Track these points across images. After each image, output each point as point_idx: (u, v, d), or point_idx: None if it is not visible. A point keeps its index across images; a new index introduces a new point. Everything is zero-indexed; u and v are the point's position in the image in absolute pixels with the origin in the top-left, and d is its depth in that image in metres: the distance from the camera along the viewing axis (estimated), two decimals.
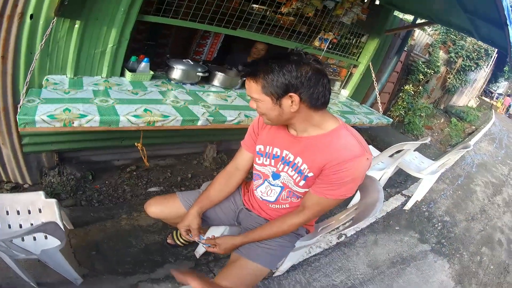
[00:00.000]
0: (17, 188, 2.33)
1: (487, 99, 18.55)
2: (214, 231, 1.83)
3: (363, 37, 3.77)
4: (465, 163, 6.13)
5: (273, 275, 2.26)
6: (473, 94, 14.24)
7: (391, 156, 3.23)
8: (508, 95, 22.20)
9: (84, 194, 2.44)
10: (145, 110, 1.87)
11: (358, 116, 3.24)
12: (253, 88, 1.20)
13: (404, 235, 3.26)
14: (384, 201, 3.71)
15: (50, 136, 2.18)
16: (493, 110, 16.16)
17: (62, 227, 1.60)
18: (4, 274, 1.71)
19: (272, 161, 1.45)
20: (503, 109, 19.56)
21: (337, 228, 1.74)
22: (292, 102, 1.17)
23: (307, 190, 1.40)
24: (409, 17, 4.92)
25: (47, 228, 1.41)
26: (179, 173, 2.99)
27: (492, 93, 20.84)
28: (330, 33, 3.38)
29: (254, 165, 1.56)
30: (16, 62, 1.86)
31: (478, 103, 14.86)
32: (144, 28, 2.66)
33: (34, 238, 1.59)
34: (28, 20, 1.78)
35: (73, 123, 1.60)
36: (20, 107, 1.62)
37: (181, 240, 2.22)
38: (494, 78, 18.06)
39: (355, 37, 3.66)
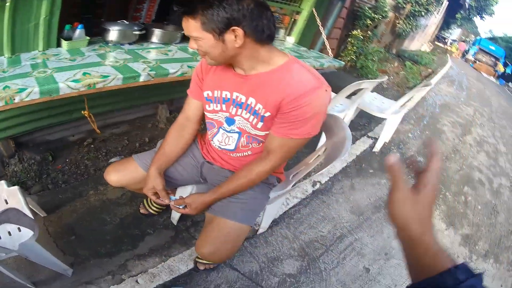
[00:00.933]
0: None
1: (441, 45, 18.96)
2: (182, 192, 1.73)
3: None
4: (427, 104, 6.18)
5: (257, 233, 2.19)
6: (425, 39, 14.52)
7: (349, 98, 3.15)
8: (462, 41, 22.86)
9: (48, 177, 2.29)
10: (84, 73, 1.75)
11: (308, 60, 3.13)
12: (192, 26, 1.08)
13: (380, 178, 3.22)
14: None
15: (0, 122, 2.05)
16: (448, 55, 16.55)
17: (29, 213, 1.49)
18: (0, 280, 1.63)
19: (223, 105, 1.33)
20: (459, 54, 20.14)
21: (309, 173, 1.66)
22: (236, 36, 1.08)
23: (267, 132, 1.29)
24: None
25: (10, 216, 1.32)
26: (136, 139, 2.85)
27: (445, 39, 21.35)
28: None
29: (205, 113, 1.43)
30: None
31: (431, 48, 15.14)
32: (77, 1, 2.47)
33: (10, 233, 1.46)
34: None
35: (14, 99, 1.49)
36: None
37: (154, 208, 2.10)
38: (446, 24, 18.48)
39: None
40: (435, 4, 9.46)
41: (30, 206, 1.77)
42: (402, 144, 4.11)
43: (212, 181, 1.57)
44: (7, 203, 1.56)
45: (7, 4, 1.71)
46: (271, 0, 3.32)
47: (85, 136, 2.67)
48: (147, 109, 3.07)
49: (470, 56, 20.09)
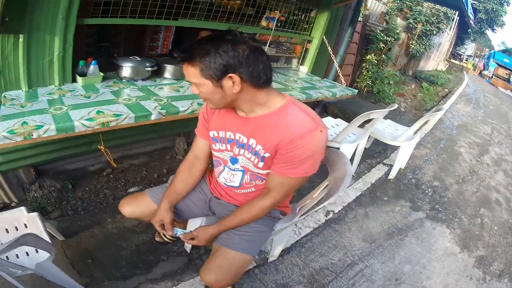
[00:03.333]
0: (5, 208, 2.20)
1: (456, 62, 18.40)
2: (193, 223, 1.72)
3: (312, 12, 3.54)
4: (444, 126, 5.91)
5: (268, 261, 2.12)
6: (441, 57, 14.13)
7: (362, 126, 3.02)
8: (477, 57, 22.14)
9: (68, 204, 2.29)
10: (98, 112, 1.76)
11: (320, 90, 3.05)
12: (192, 73, 1.09)
13: (394, 205, 3.06)
14: (366, 172, 3.55)
15: (21, 151, 2.08)
16: (464, 72, 16.01)
17: (47, 238, 1.55)
18: None
19: (228, 145, 1.35)
20: (477, 71, 19.45)
21: (315, 205, 1.62)
22: (233, 82, 1.08)
23: (268, 171, 1.31)
24: None
25: (28, 240, 1.31)
26: (155, 170, 2.83)
27: (460, 55, 20.77)
28: (276, 11, 3.19)
29: (212, 152, 1.46)
30: None
31: (447, 66, 14.71)
32: (94, 31, 2.52)
33: (27, 254, 1.51)
34: None
35: (32, 135, 1.53)
36: None
37: (168, 236, 2.10)
38: (460, 40, 17.98)
39: (304, 13, 3.44)
40: (445, 21, 9.22)
41: (49, 230, 1.82)
42: (418, 169, 3.90)
43: (220, 214, 1.58)
44: (26, 227, 1.62)
45: (20, 40, 1.76)
46: (281, 31, 3.29)
47: (104, 166, 2.67)
48: (165, 141, 3.05)
49: (487, 72, 19.37)
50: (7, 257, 1.47)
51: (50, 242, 1.51)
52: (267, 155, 1.24)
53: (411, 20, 8.25)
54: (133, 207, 1.57)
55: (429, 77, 10.16)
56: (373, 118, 2.80)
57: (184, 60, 1.09)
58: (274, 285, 1.97)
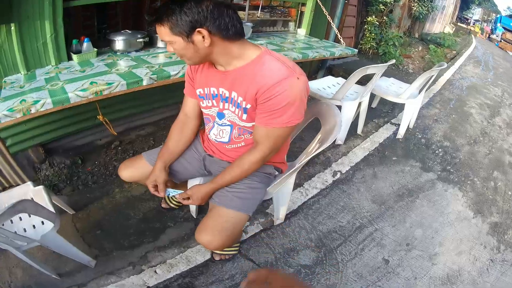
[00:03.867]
0: None
1: (464, 25, 17.72)
2: (192, 184, 1.71)
3: None
4: (453, 87, 5.72)
5: (274, 224, 2.10)
6: (446, 20, 13.59)
7: (364, 85, 2.96)
8: (485, 21, 21.34)
9: (79, 179, 2.33)
10: (91, 82, 1.79)
11: (317, 50, 2.95)
12: (162, 32, 1.14)
13: (404, 165, 2.98)
14: (373, 132, 3.48)
15: (29, 131, 2.17)
16: (472, 35, 15.46)
17: (51, 208, 1.55)
18: (28, 272, 1.70)
19: (213, 101, 1.36)
20: (486, 35, 18.79)
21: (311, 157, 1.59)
22: (203, 37, 1.11)
23: (253, 123, 1.30)
24: None
25: (26, 206, 1.33)
26: (162, 139, 2.81)
27: (467, 19, 19.99)
28: None
29: (202, 109, 1.47)
30: None
31: (454, 29, 14.17)
32: (91, 13, 2.57)
33: (34, 226, 1.54)
34: None
35: (30, 110, 1.56)
36: None
37: (174, 202, 2.12)
38: (465, 4, 17.26)
39: None
40: None
41: (58, 205, 1.88)
42: (427, 129, 3.78)
43: (215, 172, 1.56)
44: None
45: (12, 28, 1.83)
46: None
47: (112, 139, 2.69)
48: (169, 110, 3.04)
49: (495, 36, 18.66)
50: (15, 232, 1.50)
51: (54, 212, 1.53)
52: (248, 106, 1.24)
53: None
54: (130, 170, 1.59)
55: (436, 39, 9.81)
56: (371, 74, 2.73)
57: (155, 21, 1.13)
58: (281, 249, 1.95)
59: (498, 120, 4.65)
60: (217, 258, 1.82)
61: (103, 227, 1.98)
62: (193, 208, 2.08)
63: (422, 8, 8.34)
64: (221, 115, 1.38)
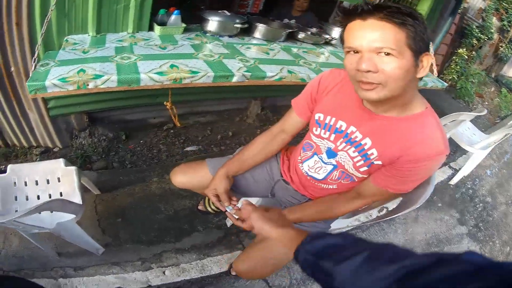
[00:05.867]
0: (46, 152, 2.16)
1: None
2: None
3: None
4: None
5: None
6: None
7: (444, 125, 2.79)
8: None
9: (116, 155, 2.20)
10: (172, 66, 1.55)
11: None
12: (392, 35, 0.76)
13: (445, 214, 2.82)
14: None
15: (76, 97, 1.94)
16: None
17: (79, 196, 1.46)
18: (25, 245, 1.62)
19: (332, 135, 1.08)
20: None
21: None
22: (425, 64, 0.82)
23: (365, 176, 1.07)
24: None
25: (52, 205, 1.26)
26: (220, 131, 2.63)
27: None
28: None
29: (310, 134, 1.18)
30: (31, 27, 1.64)
31: None
32: None
33: (51, 211, 1.43)
34: None
35: (88, 84, 1.36)
36: (31, 72, 1.38)
37: (213, 207, 1.96)
38: None
39: None
40: None
41: (84, 183, 1.74)
42: (477, 180, 3.54)
43: (281, 198, 1.38)
44: (59, 181, 1.54)
45: None
46: None
47: (167, 120, 2.52)
48: (238, 102, 2.83)
49: None
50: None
51: (81, 203, 1.43)
52: (377, 163, 0.99)
53: (505, 22, 7.43)
54: (187, 177, 1.39)
55: (510, 83, 9.20)
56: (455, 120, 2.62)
57: (389, 16, 0.76)
58: (299, 276, 1.82)
59: None
60: (233, 273, 1.69)
61: (126, 216, 1.87)
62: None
63: (508, 50, 7.90)
64: (331, 154, 1.11)
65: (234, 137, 2.61)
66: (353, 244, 0.58)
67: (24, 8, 1.59)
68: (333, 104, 1.06)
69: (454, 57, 5.88)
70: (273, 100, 2.92)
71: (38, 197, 1.49)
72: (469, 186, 3.34)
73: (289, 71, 1.84)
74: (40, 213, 1.41)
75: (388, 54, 0.77)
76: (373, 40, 0.77)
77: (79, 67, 1.41)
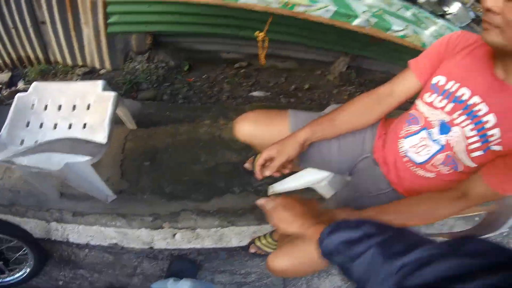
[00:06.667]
0: (91, 73, 2.01)
1: None
2: (308, 175, 1.25)
3: None
4: None
5: None
6: None
7: None
8: None
9: (171, 86, 1.99)
10: None
11: None
12: None
13: None
14: None
15: (145, 14, 1.71)
16: None
17: (107, 130, 1.22)
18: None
19: (450, 105, 0.87)
20: None
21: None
22: None
23: (474, 166, 0.86)
24: None
25: (57, 146, 1.10)
26: (295, 81, 2.34)
27: None
28: None
29: (419, 102, 0.96)
30: None
31: None
32: None
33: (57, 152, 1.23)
34: None
35: None
36: None
37: None
38: None
39: None
40: None
41: (122, 116, 1.52)
42: None
43: (359, 181, 1.13)
44: (88, 108, 1.29)
45: None
46: None
47: (241, 57, 2.27)
48: (325, 54, 2.49)
49: None
50: None
51: (104, 141, 1.19)
52: (496, 148, 0.79)
53: None
54: (259, 128, 1.14)
55: None
56: None
57: None
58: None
59: None
60: (252, 250, 1.53)
61: (156, 160, 1.65)
62: (276, 186, 1.48)
63: None
64: (445, 129, 0.90)
65: (308, 91, 2.32)
66: (366, 235, 0.58)
67: None
68: (459, 67, 0.88)
69: None
70: (360, 61, 2.58)
71: (55, 126, 1.27)
72: None
73: (415, 32, 1.58)
74: None
75: None
76: None
77: None
